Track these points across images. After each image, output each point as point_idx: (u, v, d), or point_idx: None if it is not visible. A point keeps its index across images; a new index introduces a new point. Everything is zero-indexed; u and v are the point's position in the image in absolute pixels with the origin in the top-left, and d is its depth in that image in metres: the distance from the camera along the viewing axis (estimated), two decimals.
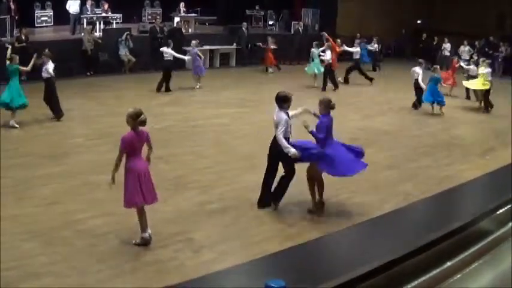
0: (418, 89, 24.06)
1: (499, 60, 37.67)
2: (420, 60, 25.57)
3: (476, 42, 37.65)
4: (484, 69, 24.78)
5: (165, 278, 8.81)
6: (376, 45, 35.44)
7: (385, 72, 34.88)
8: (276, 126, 12.24)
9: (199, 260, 9.53)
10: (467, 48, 36.56)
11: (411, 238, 3.05)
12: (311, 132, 12.16)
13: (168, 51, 23.22)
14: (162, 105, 21.23)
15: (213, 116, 19.90)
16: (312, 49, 27.73)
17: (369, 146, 17.20)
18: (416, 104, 24.26)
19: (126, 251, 9.76)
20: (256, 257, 9.47)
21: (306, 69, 27.88)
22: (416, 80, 23.96)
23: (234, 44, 31.26)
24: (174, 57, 23.59)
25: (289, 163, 12.07)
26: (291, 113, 12.61)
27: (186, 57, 25.03)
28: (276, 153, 12.09)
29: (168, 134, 17.36)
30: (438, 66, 25.51)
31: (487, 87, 24.27)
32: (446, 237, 3.36)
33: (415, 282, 3.14)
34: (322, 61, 26.80)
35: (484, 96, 24.67)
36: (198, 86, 24.90)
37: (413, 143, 18.50)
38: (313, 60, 27.69)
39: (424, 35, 39.73)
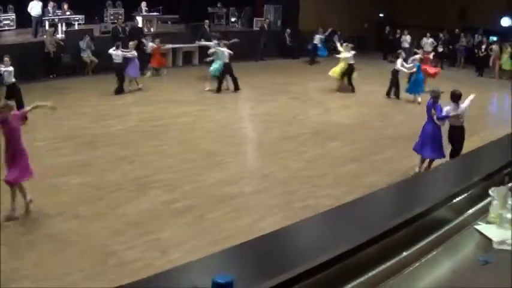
0: (396, 79, 24.78)
1: (462, 50, 38.03)
2: (399, 50, 26.22)
3: (441, 34, 37.87)
4: (346, 54, 25.70)
5: (133, 280, 8.81)
6: (322, 36, 35.82)
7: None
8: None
9: (167, 260, 9.54)
10: (430, 40, 36.70)
11: (368, 228, 3.10)
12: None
13: (115, 53, 22.92)
14: (125, 106, 21.14)
15: (176, 114, 19.85)
16: (218, 48, 25.25)
17: (332, 140, 17.44)
18: (390, 93, 25.04)
19: (93, 253, 9.76)
20: None
21: (210, 70, 25.26)
22: (395, 70, 24.58)
23: (197, 42, 31.08)
24: (126, 57, 23.34)
25: None
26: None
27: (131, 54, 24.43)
28: None
29: (131, 134, 17.30)
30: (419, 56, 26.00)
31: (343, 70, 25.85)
32: (404, 226, 3.42)
33: (372, 272, 3.20)
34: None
35: (348, 78, 25.94)
36: (136, 89, 24.09)
37: (376, 135, 18.57)
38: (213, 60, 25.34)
39: (387, 28, 39.83)
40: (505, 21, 40.30)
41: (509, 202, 4.08)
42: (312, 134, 18.15)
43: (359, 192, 12.45)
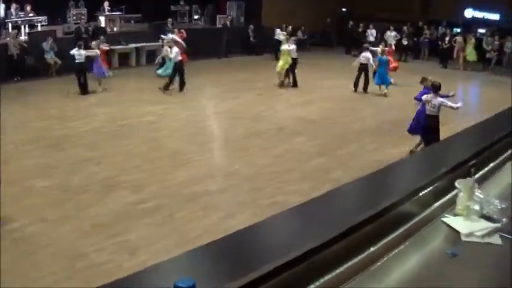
0: (364, 72, 25.02)
1: (426, 43, 38.31)
2: (365, 44, 26.41)
3: (405, 27, 38.08)
4: (289, 47, 25.54)
5: (102, 282, 8.75)
6: (283, 32, 35.79)
7: (313, 61, 35.01)
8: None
9: (136, 261, 9.46)
10: (393, 33, 36.91)
11: (335, 224, 3.08)
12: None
13: (78, 53, 22.69)
14: (91, 106, 20.92)
15: (141, 114, 19.72)
16: (165, 47, 25.31)
17: (297, 135, 17.46)
18: (357, 87, 25.30)
19: (63, 256, 9.65)
20: None
21: (158, 72, 25.37)
22: (363, 64, 24.90)
23: (160, 40, 30.85)
24: (88, 57, 23.15)
25: None
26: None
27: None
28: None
29: (97, 135, 17.15)
30: (386, 48, 26.20)
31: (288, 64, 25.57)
32: (371, 221, 3.39)
33: (340, 269, 3.18)
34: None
35: (292, 73, 25.83)
36: (101, 90, 23.85)
37: (342, 130, 18.64)
38: (164, 60, 25.40)
39: (350, 23, 39.94)
40: (468, 13, 40.66)
41: (476, 194, 4.09)
42: (277, 130, 18.17)
43: (326, 187, 12.51)
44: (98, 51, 23.92)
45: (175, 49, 23.71)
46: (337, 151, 16.29)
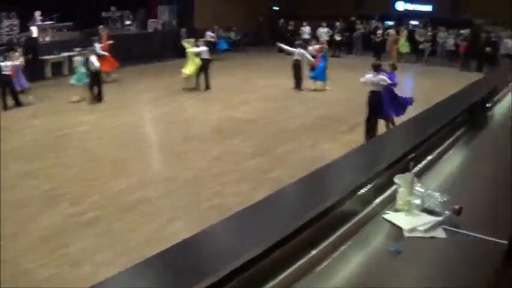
0: (298, 70, 25.10)
1: (359, 37, 38.71)
2: (298, 42, 26.72)
3: (337, 23, 38.38)
4: (198, 48, 25.24)
5: None
6: (213, 34, 36.06)
7: (246, 61, 35.08)
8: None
9: (79, 274, 9.34)
10: (325, 29, 37.27)
11: (276, 229, 3.02)
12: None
13: (4, 64, 22.15)
14: (24, 119, 20.44)
15: (77, 123, 19.34)
16: (76, 57, 24.21)
17: (234, 137, 17.42)
18: (298, 84, 25.39)
19: (6, 273, 9.36)
20: (134, 263, 9.37)
21: (71, 81, 23.69)
22: (297, 61, 24.97)
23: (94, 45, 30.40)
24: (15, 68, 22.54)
25: None
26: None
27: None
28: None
29: (33, 147, 16.76)
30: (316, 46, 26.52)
31: (197, 66, 25.23)
32: (312, 223, 3.35)
33: (284, 274, 3.12)
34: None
35: (205, 75, 25.36)
36: (31, 100, 23.02)
37: (278, 128, 18.64)
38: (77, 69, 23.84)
39: (281, 21, 40.06)
40: (400, 6, 41.22)
41: (416, 188, 4.07)
42: (213, 132, 18.09)
43: (265, 187, 12.59)
44: (23, 62, 23.41)
45: (93, 58, 23.05)
46: (275, 150, 16.27)
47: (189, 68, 25.37)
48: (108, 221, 11.54)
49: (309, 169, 4.40)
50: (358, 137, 16.62)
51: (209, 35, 35.49)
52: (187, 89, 25.07)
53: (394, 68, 18.40)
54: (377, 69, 17.01)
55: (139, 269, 2.81)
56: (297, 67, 25.19)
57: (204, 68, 25.38)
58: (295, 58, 25.08)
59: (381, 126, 16.88)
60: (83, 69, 23.21)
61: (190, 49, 25.43)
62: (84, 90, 23.01)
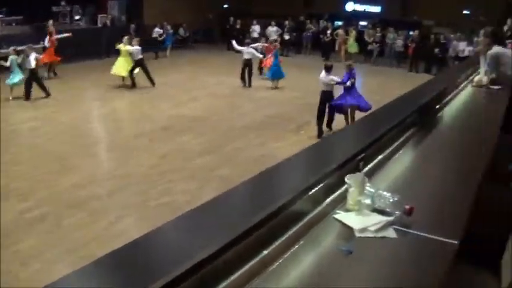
0: (248, 67, 25.43)
1: (308, 37, 38.90)
2: (247, 40, 27.32)
3: (286, 22, 38.52)
4: (129, 47, 25.09)
5: None
6: (160, 30, 36.35)
7: (196, 58, 35.01)
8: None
9: (29, 271, 9.29)
10: (274, 28, 37.36)
11: (227, 229, 3.01)
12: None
13: None
14: None
15: (24, 119, 19.13)
16: (11, 56, 22.99)
17: (183, 134, 17.41)
18: (248, 82, 25.71)
19: None
20: (83, 260, 9.30)
21: (7, 82, 22.66)
22: (246, 59, 25.26)
23: (41, 42, 30.12)
24: None
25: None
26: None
27: None
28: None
29: None
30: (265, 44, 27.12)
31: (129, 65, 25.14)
32: (263, 223, 3.33)
33: (234, 276, 3.11)
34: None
35: (145, 73, 25.27)
36: None
37: (227, 126, 18.71)
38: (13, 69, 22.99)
39: (231, 19, 40.02)
40: (349, 6, 41.54)
41: (367, 188, 4.09)
42: (162, 129, 18.05)
43: (213, 185, 12.66)
44: None
45: (33, 56, 22.55)
46: (224, 148, 16.31)
47: (120, 67, 25.16)
48: (56, 218, 11.45)
49: (258, 167, 4.42)
50: (306, 136, 16.78)
51: (157, 31, 35.45)
52: (136, 85, 24.96)
53: (350, 67, 18.82)
54: (328, 70, 18.05)
55: (90, 269, 2.78)
56: (246, 66, 25.30)
57: (134, 67, 25.16)
58: (244, 57, 25.18)
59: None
60: (17, 68, 22.60)
61: (124, 47, 25.15)
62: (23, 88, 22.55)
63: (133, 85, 25.17)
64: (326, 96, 18.02)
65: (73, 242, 10.37)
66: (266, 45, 26.99)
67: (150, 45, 34.76)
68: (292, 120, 19.58)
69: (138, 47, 25.11)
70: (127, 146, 16.35)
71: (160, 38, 36.00)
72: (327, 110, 18.12)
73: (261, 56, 26.18)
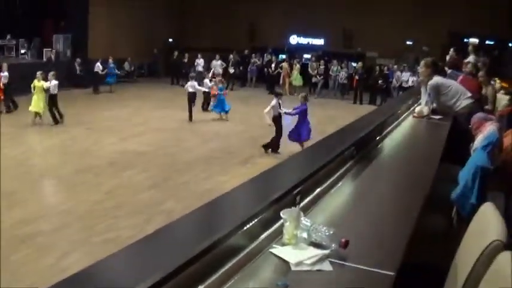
0: (192, 101, 25.57)
1: (253, 70, 39.15)
2: (191, 74, 27.60)
3: (231, 56, 38.71)
4: (47, 83, 24.52)
5: None
6: (100, 66, 35.90)
7: (141, 92, 34.95)
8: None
9: None
10: (219, 62, 37.51)
11: (163, 264, 2.99)
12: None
13: None
14: None
15: None
16: None
17: (128, 169, 17.30)
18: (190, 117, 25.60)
19: None
20: None
21: None
22: (191, 93, 25.50)
23: None
24: None
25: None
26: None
27: None
28: None
29: None
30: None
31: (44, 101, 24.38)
32: (199, 257, 3.32)
33: None
34: None
35: (50, 110, 24.57)
36: None
37: (173, 160, 18.69)
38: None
39: (176, 53, 40.05)
40: (293, 39, 41.90)
41: (303, 222, 4.11)
42: (107, 164, 17.94)
43: (159, 219, 12.55)
44: None
45: None
46: (169, 182, 16.26)
47: (38, 103, 24.35)
48: (4, 253, 11.28)
49: (204, 201, 4.42)
50: (251, 170, 16.75)
51: (97, 66, 35.22)
52: (80, 120, 24.80)
53: (305, 99, 20.06)
54: (278, 96, 20.45)
55: None
56: (190, 99, 25.36)
57: (52, 103, 24.56)
58: (189, 90, 25.26)
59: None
60: None
61: (39, 83, 24.55)
62: None
63: (55, 120, 24.48)
64: (275, 120, 19.83)
65: (20, 278, 10.19)
66: (213, 84, 27.10)
67: (92, 80, 34.74)
68: (238, 154, 19.66)
69: (55, 82, 24.66)
70: (72, 181, 16.18)
71: (101, 73, 35.72)
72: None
73: (205, 89, 26.36)
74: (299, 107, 19.93)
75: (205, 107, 27.71)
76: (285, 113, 19.86)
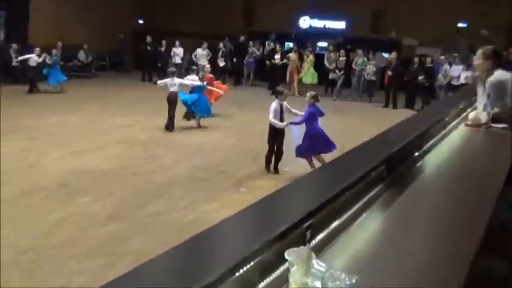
0: (173, 103, 25.35)
1: (250, 63, 38.86)
2: (171, 68, 27.61)
3: (221, 44, 38.46)
4: None
5: None
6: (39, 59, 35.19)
7: (100, 92, 34.88)
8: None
9: None
10: (205, 51, 37.24)
11: None
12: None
13: None
14: None
15: None
16: None
17: (83, 193, 17.24)
18: (168, 125, 25.53)
19: None
20: None
21: None
22: (172, 92, 25.31)
23: None
24: None
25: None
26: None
27: None
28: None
29: None
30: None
31: None
32: None
33: None
34: None
35: None
36: None
37: (143, 182, 18.61)
38: None
39: (149, 38, 39.56)
40: (304, 22, 41.50)
41: (316, 266, 4.10)
42: (57, 187, 17.87)
43: (123, 262, 12.52)
44: None
45: None
46: (138, 211, 16.16)
47: None
48: None
49: (183, 238, 4.40)
50: (246, 196, 16.69)
51: (32, 59, 34.31)
52: (20, 127, 24.77)
53: (314, 99, 19.89)
54: (278, 94, 20.22)
55: None
56: (171, 102, 25.20)
57: None
58: (170, 90, 25.14)
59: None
60: None
61: None
62: None
63: None
64: (278, 133, 19.67)
65: None
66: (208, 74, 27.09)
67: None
68: (229, 174, 19.59)
69: None
70: (12, 208, 15.95)
71: (48, 62, 35.05)
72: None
73: (195, 83, 26.05)
74: (307, 111, 19.80)
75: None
76: (290, 123, 19.86)
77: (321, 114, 19.83)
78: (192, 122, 25.82)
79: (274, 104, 19.52)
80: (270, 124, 19.56)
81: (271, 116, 19.22)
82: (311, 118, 19.49)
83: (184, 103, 25.48)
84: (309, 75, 36.49)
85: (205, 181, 18.83)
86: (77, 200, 16.93)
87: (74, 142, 23.40)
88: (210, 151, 22.56)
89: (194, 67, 30.44)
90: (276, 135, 19.69)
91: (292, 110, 20.06)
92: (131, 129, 25.38)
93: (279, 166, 19.78)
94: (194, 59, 36.39)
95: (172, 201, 16.99)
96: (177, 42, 38.95)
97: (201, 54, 37.07)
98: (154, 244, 13.58)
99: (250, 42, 39.38)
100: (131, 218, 15.76)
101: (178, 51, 38.52)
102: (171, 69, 27.84)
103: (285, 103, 19.79)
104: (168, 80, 25.70)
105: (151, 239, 14.15)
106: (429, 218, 5.86)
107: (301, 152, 19.62)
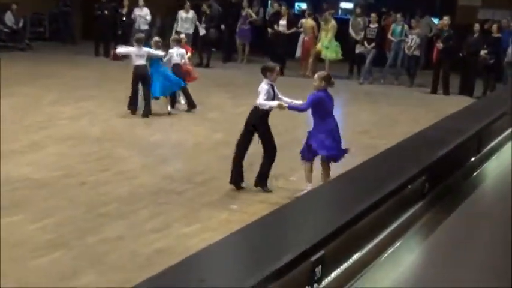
0: (142, 81, 25.34)
1: (245, 31, 38.81)
2: (139, 35, 27.11)
3: (204, 6, 38.19)
4: None
5: None
6: None
7: (37, 70, 34.87)
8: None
9: None
10: (190, 14, 36.91)
11: None
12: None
13: None
14: None
15: None
16: None
17: (13, 211, 16.93)
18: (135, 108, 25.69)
19: None
20: None
21: None
22: (139, 66, 25.21)
23: None
24: None
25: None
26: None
27: None
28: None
29: None
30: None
31: None
32: None
33: None
34: None
35: None
36: None
37: (95, 196, 18.35)
38: None
39: None
40: None
41: None
42: None
43: None
44: None
45: None
46: (87, 237, 16.00)
47: None
48: None
49: (150, 273, 4.47)
50: (236, 216, 16.61)
51: None
52: None
53: (327, 82, 18.61)
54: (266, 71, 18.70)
55: None
56: (137, 78, 24.97)
57: None
58: (136, 63, 25.19)
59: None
60: None
61: None
62: None
63: None
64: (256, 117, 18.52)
65: None
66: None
67: None
68: (216, 185, 19.46)
69: None
70: None
71: None
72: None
73: (162, 53, 25.54)
74: (310, 96, 18.46)
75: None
76: (288, 107, 18.56)
77: (331, 104, 18.58)
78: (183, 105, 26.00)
79: (265, 85, 18.37)
80: (253, 111, 18.54)
81: (261, 98, 18.11)
82: (318, 107, 18.36)
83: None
84: (331, 47, 35.61)
85: (181, 195, 18.63)
86: (5, 219, 16.90)
87: (3, 139, 23.20)
88: (189, 152, 22.49)
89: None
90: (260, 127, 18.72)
91: (283, 98, 18.82)
92: (80, 121, 25.25)
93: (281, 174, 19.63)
94: (176, 25, 36.00)
95: (135, 222, 16.94)
96: (140, 1, 38.24)
97: (186, 17, 36.68)
98: (107, 279, 13.60)
99: (245, 2, 38.89)
100: (79, 245, 15.63)
101: (143, 13, 37.66)
102: (139, 35, 27.38)
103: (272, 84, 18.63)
104: (133, 49, 25.57)
105: (104, 274, 14.08)
106: (485, 251, 5.86)
107: (302, 153, 18.74)
